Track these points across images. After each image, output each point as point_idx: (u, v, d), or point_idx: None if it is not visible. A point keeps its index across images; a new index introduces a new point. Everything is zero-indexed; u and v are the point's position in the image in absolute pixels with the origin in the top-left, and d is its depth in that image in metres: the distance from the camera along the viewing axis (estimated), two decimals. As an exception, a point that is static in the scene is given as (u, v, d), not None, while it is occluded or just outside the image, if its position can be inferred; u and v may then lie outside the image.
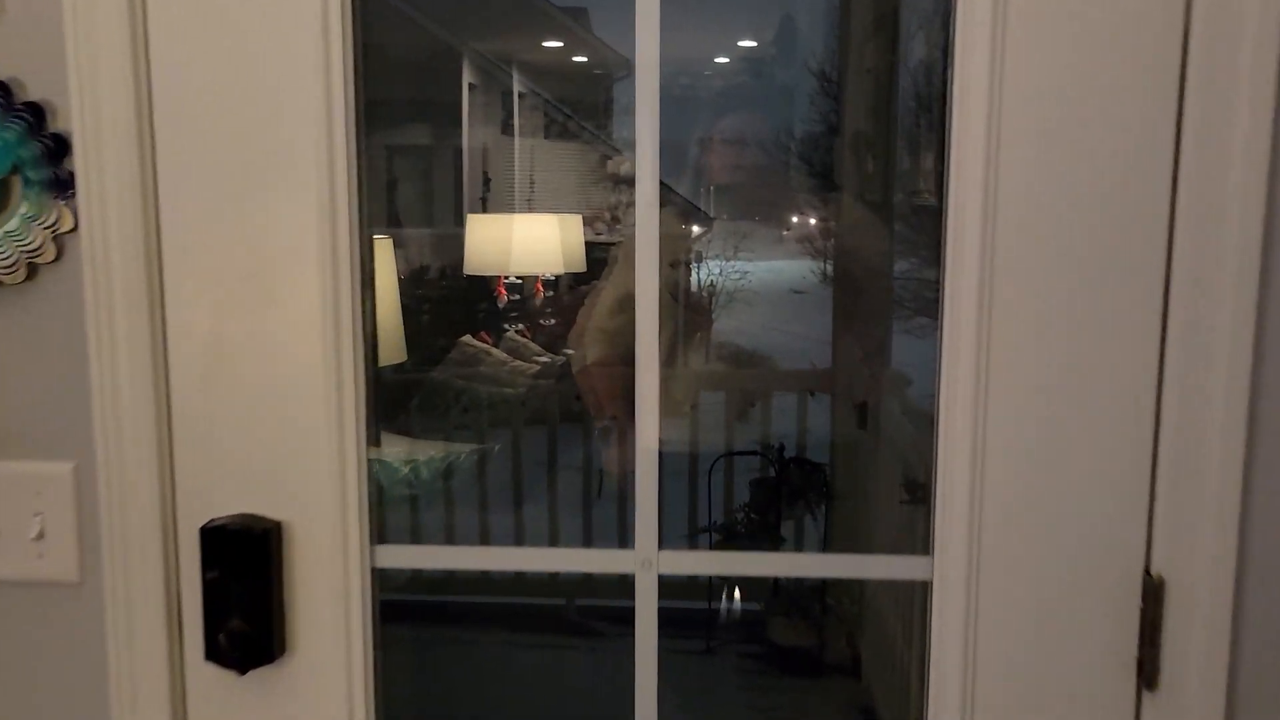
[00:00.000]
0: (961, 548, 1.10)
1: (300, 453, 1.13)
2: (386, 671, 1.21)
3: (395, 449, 2.65)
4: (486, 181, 9.71)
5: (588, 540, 3.35)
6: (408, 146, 8.60)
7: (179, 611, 1.16)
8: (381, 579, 1.18)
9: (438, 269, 6.98)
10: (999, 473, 1.10)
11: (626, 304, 1.10)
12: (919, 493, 2.40)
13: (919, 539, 2.47)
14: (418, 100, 8.60)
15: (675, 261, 3.69)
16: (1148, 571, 1.10)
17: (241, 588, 1.12)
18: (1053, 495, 1.10)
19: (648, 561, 1.13)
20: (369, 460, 2.55)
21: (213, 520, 1.13)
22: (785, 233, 11.51)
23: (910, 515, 2.47)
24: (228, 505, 1.14)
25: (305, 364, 1.12)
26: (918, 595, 2.58)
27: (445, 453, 2.83)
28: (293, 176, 1.10)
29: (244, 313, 1.12)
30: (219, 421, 1.13)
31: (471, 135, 9.05)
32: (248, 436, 1.13)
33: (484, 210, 9.49)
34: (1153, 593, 1.09)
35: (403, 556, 1.18)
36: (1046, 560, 1.10)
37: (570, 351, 3.42)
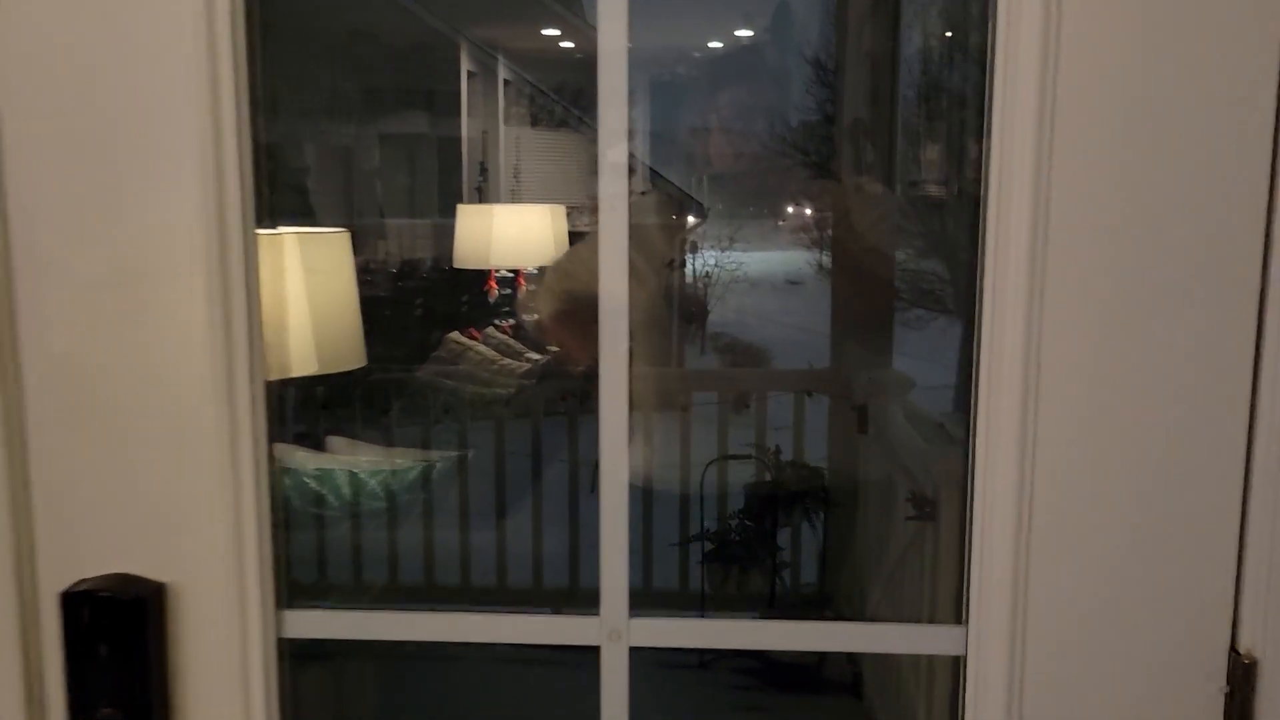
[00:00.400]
0: (1003, 617, 0.87)
1: (187, 499, 0.90)
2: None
3: (366, 458, 2.41)
4: (483, 171, 9.50)
5: (574, 551, 3.12)
6: (404, 135, 8.40)
7: (41, 697, 0.92)
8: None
9: (430, 261, 6.74)
10: (1049, 525, 0.87)
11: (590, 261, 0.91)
12: (926, 508, 2.17)
13: (926, 557, 2.25)
14: (415, 88, 8.37)
15: (671, 261, 3.45)
16: (1234, 648, 0.87)
17: (115, 666, 0.89)
18: (1115, 554, 0.86)
19: (616, 632, 0.89)
20: (336, 471, 2.32)
21: (79, 583, 0.90)
22: (780, 223, 11.31)
23: (918, 531, 2.24)
24: (100, 564, 0.91)
25: (190, 391, 0.88)
26: (925, 610, 2.36)
27: (420, 461, 2.59)
28: (172, 164, 0.86)
29: (114, 329, 0.88)
30: (86, 463, 0.90)
31: (471, 124, 8.82)
32: (122, 480, 0.90)
33: (480, 200, 9.26)
34: (1241, 674, 0.86)
35: (318, 624, 0.94)
36: (1108, 635, 0.87)
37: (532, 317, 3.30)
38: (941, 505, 2.10)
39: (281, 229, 1.94)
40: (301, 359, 1.91)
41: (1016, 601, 0.87)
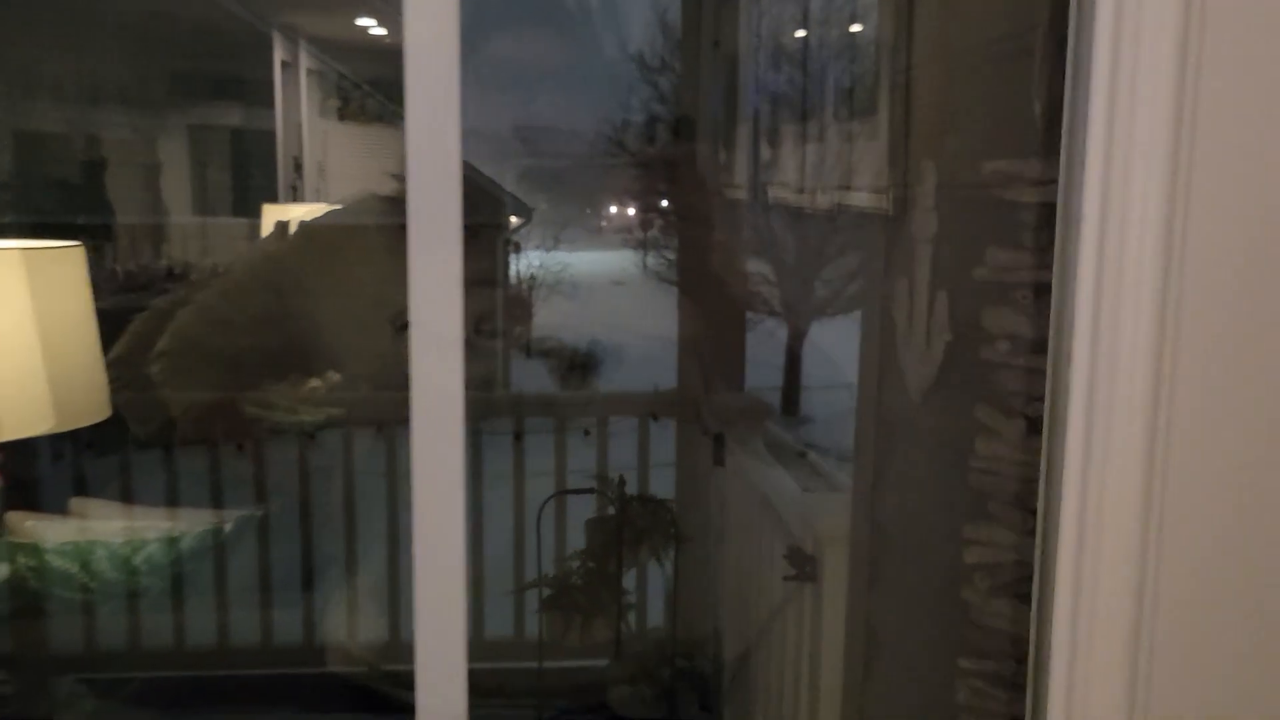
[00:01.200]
0: None
1: None
2: None
3: (138, 523, 1.91)
4: (298, 167, 8.89)
5: (394, 601, 2.67)
6: (214, 127, 7.70)
7: None
8: None
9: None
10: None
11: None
12: (807, 567, 1.82)
13: (806, 618, 1.91)
14: (224, 77, 7.67)
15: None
16: None
17: None
18: None
19: None
20: (88, 544, 1.81)
21: None
22: (604, 223, 11.00)
23: (796, 588, 1.90)
24: None
25: None
26: (790, 646, 2.02)
27: (207, 524, 2.09)
28: None
29: None
30: None
31: (287, 117, 8.17)
32: None
33: (295, 199, 8.64)
34: None
35: None
36: None
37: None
38: (825, 564, 1.76)
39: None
40: (27, 414, 1.42)
41: None
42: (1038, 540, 0.62)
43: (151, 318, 1.99)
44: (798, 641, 1.84)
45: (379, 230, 2.09)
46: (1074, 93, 0.60)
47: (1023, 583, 1.12)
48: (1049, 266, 1.06)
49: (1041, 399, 1.09)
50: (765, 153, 3.64)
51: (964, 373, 1.27)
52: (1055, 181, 1.06)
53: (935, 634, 1.33)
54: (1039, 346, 1.08)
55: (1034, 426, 1.09)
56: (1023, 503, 1.09)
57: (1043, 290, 1.07)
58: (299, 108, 7.93)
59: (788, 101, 3.24)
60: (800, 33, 2.91)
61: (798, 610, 1.83)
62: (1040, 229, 1.06)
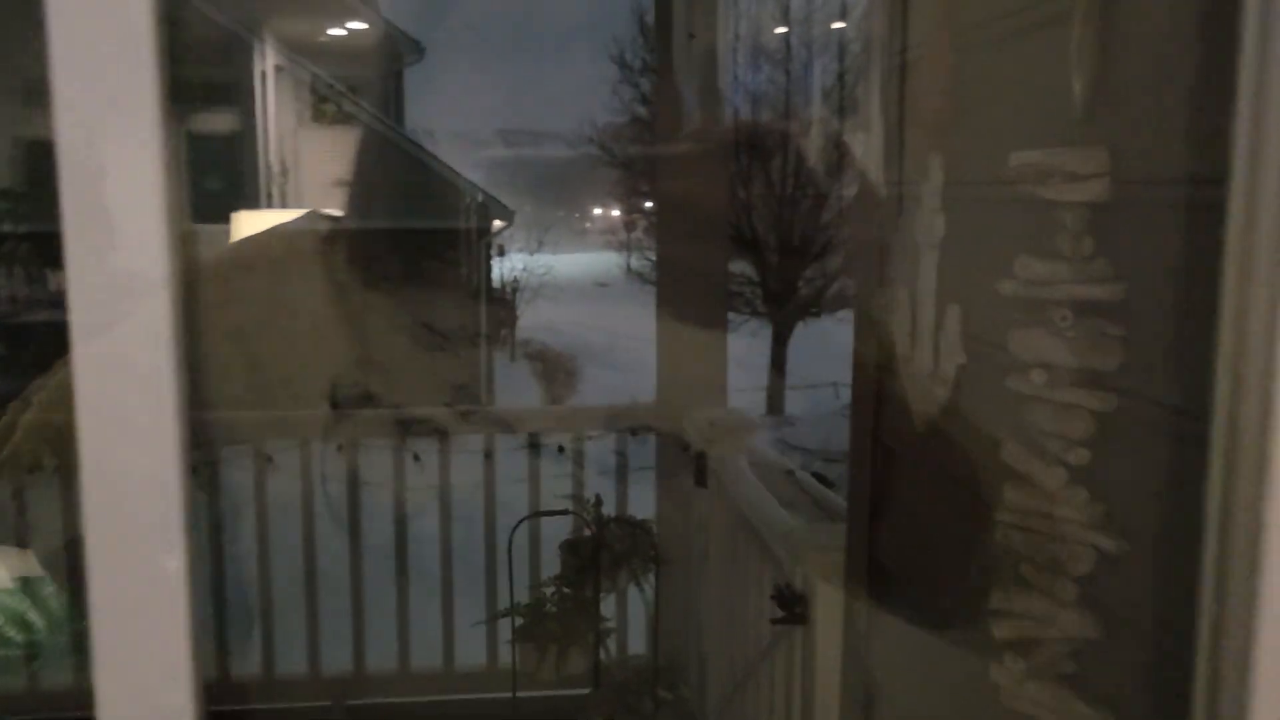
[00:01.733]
0: None
1: None
2: None
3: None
4: (284, 171, 8.71)
5: (357, 625, 2.44)
6: (206, 134, 7.53)
7: None
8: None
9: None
10: None
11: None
12: (797, 607, 1.61)
13: (796, 660, 1.70)
14: (215, 84, 7.44)
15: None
16: None
17: None
18: None
19: None
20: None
21: None
22: (588, 225, 10.79)
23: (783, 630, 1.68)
24: None
25: None
26: (780, 688, 1.82)
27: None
28: None
29: None
30: None
31: (272, 122, 7.96)
32: None
33: (281, 204, 8.46)
34: None
35: None
36: None
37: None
38: (817, 604, 1.55)
39: None
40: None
41: None
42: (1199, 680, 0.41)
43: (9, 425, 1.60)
44: (788, 684, 1.62)
45: (317, 259, 1.76)
46: (1265, 43, 0.40)
47: (1064, 661, 0.91)
48: (1096, 280, 0.85)
49: (1084, 444, 0.87)
50: (748, 151, 3.42)
51: (984, 404, 1.06)
52: (1104, 176, 0.85)
53: (953, 709, 1.13)
54: (1083, 379, 0.87)
55: (1077, 477, 0.88)
56: (1064, 568, 0.88)
57: (1087, 310, 0.86)
58: (267, 109, 7.68)
59: (767, 96, 3.03)
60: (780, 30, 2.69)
61: (788, 650, 1.62)
62: (1084, 234, 0.85)
